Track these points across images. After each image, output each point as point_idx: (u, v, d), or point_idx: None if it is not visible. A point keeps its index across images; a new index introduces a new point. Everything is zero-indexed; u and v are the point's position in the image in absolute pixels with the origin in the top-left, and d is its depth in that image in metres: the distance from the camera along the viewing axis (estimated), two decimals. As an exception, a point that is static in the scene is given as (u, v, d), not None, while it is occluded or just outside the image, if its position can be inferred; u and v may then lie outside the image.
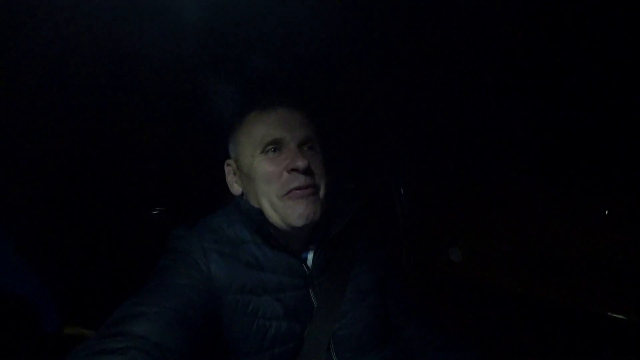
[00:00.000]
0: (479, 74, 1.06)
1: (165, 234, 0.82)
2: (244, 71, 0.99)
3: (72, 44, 0.87)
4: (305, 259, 0.81)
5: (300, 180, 0.74)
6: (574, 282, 1.09)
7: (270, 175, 0.74)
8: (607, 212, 1.24)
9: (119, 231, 1.78)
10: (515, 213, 1.25)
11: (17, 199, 1.44)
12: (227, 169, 0.85)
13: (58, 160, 1.53)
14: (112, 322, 0.58)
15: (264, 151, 0.76)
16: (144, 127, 1.36)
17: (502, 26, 0.84)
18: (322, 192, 0.78)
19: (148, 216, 1.86)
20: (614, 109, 1.01)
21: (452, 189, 1.39)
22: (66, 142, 1.44)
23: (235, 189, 0.84)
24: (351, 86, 1.10)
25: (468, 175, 1.34)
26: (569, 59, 0.94)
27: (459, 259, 1.34)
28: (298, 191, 0.74)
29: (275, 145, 0.76)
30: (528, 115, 1.13)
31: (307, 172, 0.74)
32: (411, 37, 0.87)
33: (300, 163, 0.72)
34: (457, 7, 0.77)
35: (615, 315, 0.97)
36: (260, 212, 0.77)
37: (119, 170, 1.71)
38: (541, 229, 1.18)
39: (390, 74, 1.04)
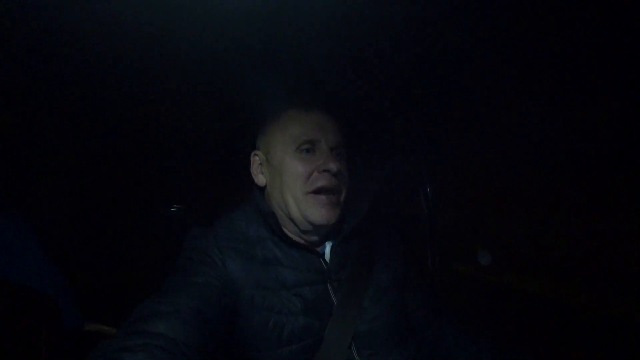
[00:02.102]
0: (511, 73, 1.02)
1: (183, 230, 0.84)
2: (283, 68, 0.99)
3: (92, 36, 0.87)
4: (323, 254, 0.83)
5: (328, 180, 0.78)
6: (613, 288, 1.03)
7: (300, 174, 0.78)
8: None
9: (138, 228, 1.81)
10: (549, 216, 1.19)
11: (40, 197, 1.48)
12: (253, 159, 0.87)
13: (78, 158, 1.56)
14: (131, 321, 0.59)
15: (298, 149, 0.79)
16: (163, 124, 1.37)
17: (531, 24, 0.80)
18: (342, 196, 0.82)
19: (166, 213, 1.89)
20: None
21: (482, 189, 1.35)
22: (85, 140, 1.46)
23: (260, 179, 0.86)
24: (379, 85, 1.09)
25: (498, 175, 1.29)
26: (602, 55, 0.89)
27: (489, 262, 1.29)
28: (324, 196, 0.78)
29: (309, 146, 0.79)
30: (563, 116, 1.09)
31: (336, 174, 0.78)
32: (441, 37, 0.86)
33: (333, 165, 0.77)
34: (479, 9, 0.76)
35: None
36: (274, 215, 0.80)
37: (138, 168, 1.74)
38: (577, 234, 1.13)
39: (418, 72, 1.02)
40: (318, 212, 0.77)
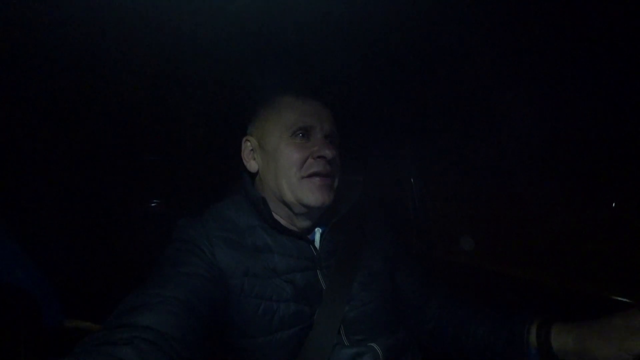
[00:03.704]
0: (493, 69, 1.05)
1: (163, 225, 0.83)
2: (279, 55, 0.97)
3: (72, 34, 0.83)
4: (313, 240, 0.84)
5: (322, 166, 0.79)
6: (584, 270, 1.09)
7: (295, 160, 0.78)
8: (614, 204, 1.24)
9: (118, 223, 1.76)
10: (526, 202, 1.24)
11: (16, 191, 1.42)
12: (245, 145, 0.87)
13: (55, 152, 1.50)
14: (117, 314, 0.58)
15: (293, 135, 0.80)
16: (144, 117, 1.32)
17: (515, 24, 0.82)
18: (336, 181, 0.83)
19: (146, 208, 1.84)
20: (619, 105, 1.01)
21: (464, 178, 1.39)
22: (60, 133, 1.40)
23: (252, 165, 0.86)
24: (366, 78, 1.09)
25: (479, 165, 1.33)
26: (578, 55, 0.93)
27: (472, 247, 1.33)
28: (318, 178, 0.79)
29: (304, 132, 0.80)
30: (539, 109, 1.13)
31: (330, 161, 0.79)
32: (428, 33, 0.87)
33: (328, 152, 0.78)
34: (469, 9, 0.77)
35: (619, 298, 0.97)
36: (265, 201, 0.79)
37: (117, 162, 1.68)
38: (551, 219, 1.18)
39: (404, 68, 1.03)
40: (313, 195, 0.78)
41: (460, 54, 0.94)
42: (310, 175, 0.79)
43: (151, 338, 0.53)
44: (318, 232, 0.85)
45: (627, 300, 0.95)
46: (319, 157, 0.78)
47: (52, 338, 1.15)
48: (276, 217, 0.82)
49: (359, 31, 0.83)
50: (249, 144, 0.86)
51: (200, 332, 0.61)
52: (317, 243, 0.84)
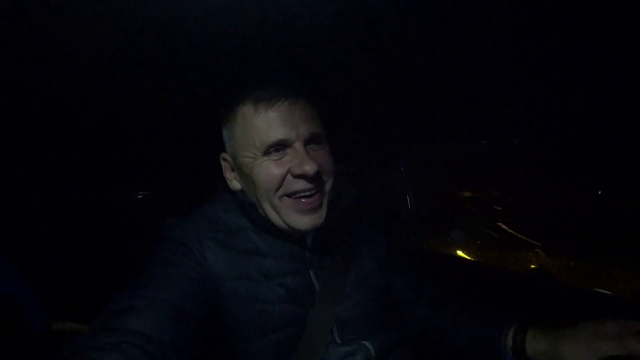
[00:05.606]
0: (479, 64, 1.05)
1: (151, 220, 0.79)
2: (240, 53, 0.89)
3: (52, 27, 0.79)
4: (305, 241, 0.81)
5: (304, 185, 0.70)
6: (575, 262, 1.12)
7: (274, 179, 0.70)
8: (600, 192, 1.28)
9: (103, 217, 1.70)
10: (515, 195, 1.26)
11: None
12: (223, 165, 0.80)
13: (34, 149, 1.44)
14: (104, 317, 0.56)
15: (267, 153, 0.70)
16: (130, 104, 1.27)
17: (502, 21, 0.82)
18: (327, 188, 0.75)
19: (132, 201, 1.78)
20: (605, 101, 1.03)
21: (455, 172, 1.40)
22: (42, 127, 1.35)
23: (235, 185, 0.79)
24: (355, 71, 1.07)
25: (471, 160, 1.35)
26: (567, 53, 0.94)
27: (462, 242, 1.34)
28: (304, 200, 0.70)
29: (279, 146, 0.70)
30: (527, 106, 1.14)
31: (314, 176, 0.69)
32: (418, 26, 0.85)
33: (308, 167, 0.67)
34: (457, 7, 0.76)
35: (602, 290, 1.03)
36: (254, 206, 0.76)
37: (100, 154, 1.62)
38: (539, 213, 1.21)
39: (395, 61, 1.02)
40: (300, 219, 0.70)
41: (453, 50, 0.93)
42: (291, 194, 0.70)
43: (139, 343, 0.52)
44: (311, 234, 0.81)
45: (608, 293, 1.00)
46: (298, 175, 0.68)
47: (39, 343, 1.13)
48: (267, 218, 0.78)
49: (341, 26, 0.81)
50: (226, 163, 0.79)
51: (190, 335, 0.60)
52: (309, 243, 0.81)
